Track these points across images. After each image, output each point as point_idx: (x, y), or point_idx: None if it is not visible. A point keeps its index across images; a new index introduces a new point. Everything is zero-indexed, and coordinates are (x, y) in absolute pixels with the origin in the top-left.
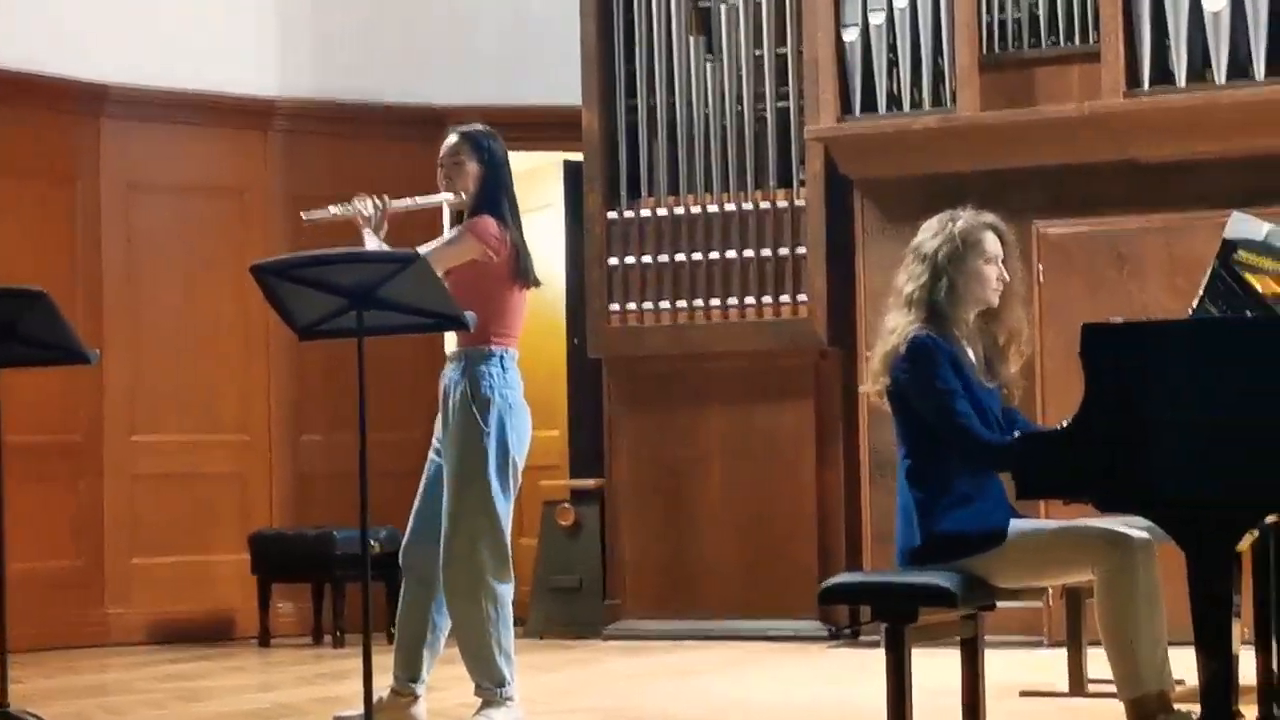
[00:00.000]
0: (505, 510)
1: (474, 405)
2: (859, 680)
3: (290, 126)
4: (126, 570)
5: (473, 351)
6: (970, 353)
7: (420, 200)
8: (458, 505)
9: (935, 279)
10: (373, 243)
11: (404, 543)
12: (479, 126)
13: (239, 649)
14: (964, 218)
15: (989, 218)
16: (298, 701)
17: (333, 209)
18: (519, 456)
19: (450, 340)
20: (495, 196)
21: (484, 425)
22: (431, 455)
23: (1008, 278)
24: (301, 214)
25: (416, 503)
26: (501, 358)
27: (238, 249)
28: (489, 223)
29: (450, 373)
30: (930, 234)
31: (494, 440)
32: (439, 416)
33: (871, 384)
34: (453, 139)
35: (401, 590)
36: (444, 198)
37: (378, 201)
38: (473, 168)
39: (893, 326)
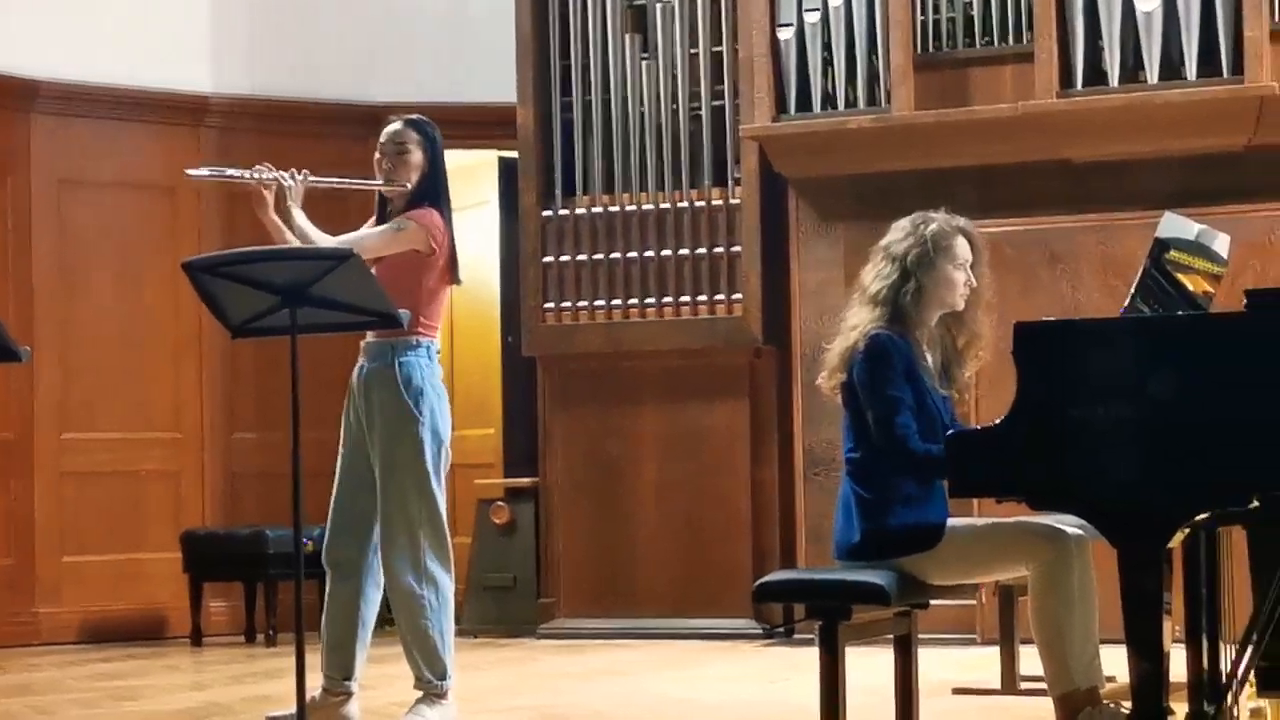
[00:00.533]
0: (442, 499)
1: (407, 395)
2: (793, 678)
3: (224, 123)
4: (57, 569)
5: (400, 342)
6: (929, 357)
7: (350, 182)
8: (397, 496)
9: (903, 280)
10: (300, 216)
11: (326, 540)
12: (422, 116)
13: (171, 648)
14: (937, 221)
15: (961, 222)
16: (229, 700)
17: (230, 171)
18: (448, 446)
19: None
20: (438, 189)
21: (419, 414)
22: (344, 449)
23: (975, 283)
24: (186, 170)
25: (335, 499)
26: (428, 349)
27: (171, 246)
28: (435, 215)
29: (371, 364)
30: (901, 234)
31: (428, 429)
32: (350, 409)
33: (827, 378)
34: (398, 126)
35: (327, 589)
36: (380, 185)
37: (296, 174)
38: (418, 158)
39: (854, 323)
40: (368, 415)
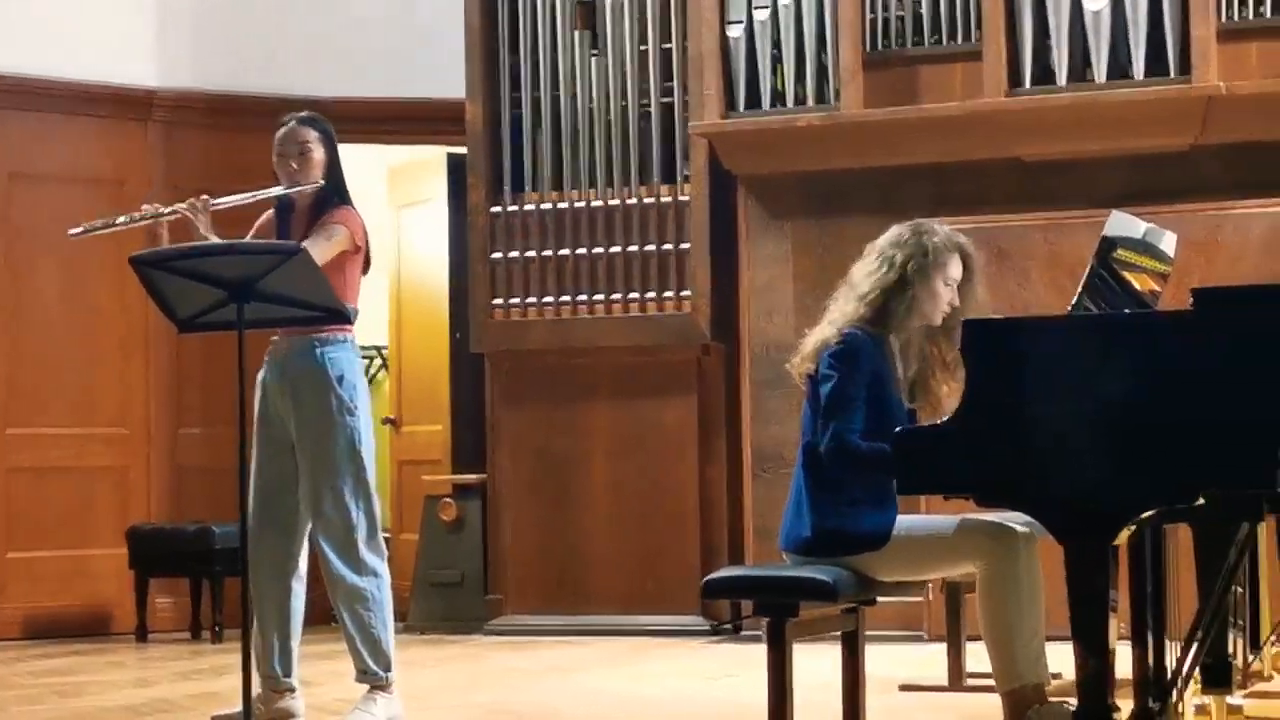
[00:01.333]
0: (374, 490)
1: (340, 389)
2: (741, 675)
3: (170, 118)
4: (2, 565)
5: (324, 338)
6: (899, 366)
7: (256, 195)
8: (333, 491)
9: (900, 286)
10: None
11: (251, 540)
12: (314, 112)
13: (116, 644)
14: (941, 235)
15: (960, 239)
16: (175, 697)
17: (122, 218)
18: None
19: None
20: (343, 184)
21: (352, 405)
22: (264, 448)
23: (957, 303)
24: (70, 231)
25: (257, 498)
26: (351, 342)
27: (117, 241)
28: (354, 213)
29: (293, 358)
30: (902, 240)
31: (361, 420)
32: (266, 407)
33: (798, 364)
34: (296, 125)
35: (256, 587)
36: (287, 190)
37: (196, 201)
38: (320, 154)
39: (835, 316)
40: (296, 413)
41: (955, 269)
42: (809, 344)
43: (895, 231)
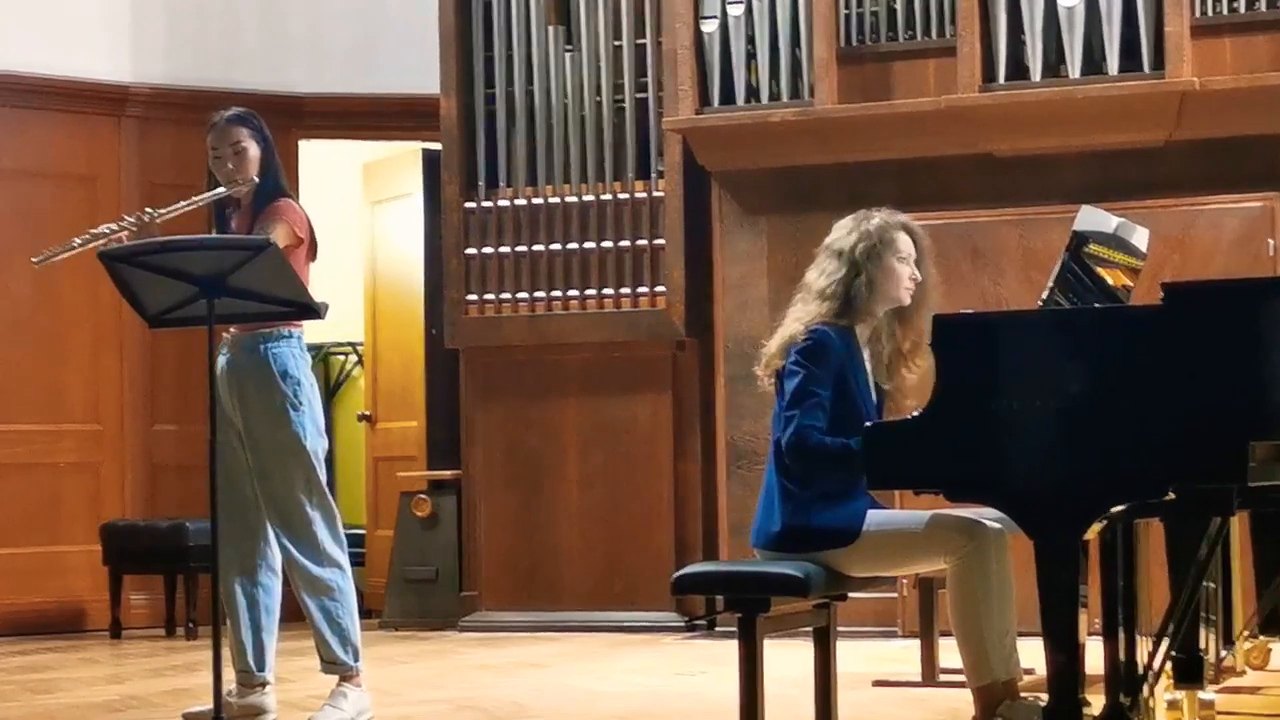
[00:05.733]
0: (325, 483)
1: (285, 385)
2: (713, 670)
3: (143, 113)
4: None
5: (271, 334)
6: (867, 355)
7: (199, 200)
8: (285, 486)
9: (853, 273)
10: None
11: (218, 537)
12: (243, 108)
13: (90, 641)
14: (879, 216)
15: (902, 218)
16: (148, 693)
17: (76, 240)
18: (323, 432)
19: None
20: (280, 178)
21: (299, 401)
22: (220, 439)
23: (919, 277)
24: (32, 260)
25: (221, 494)
26: (299, 338)
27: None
28: (294, 205)
29: (239, 354)
30: (845, 231)
31: (309, 416)
32: (219, 399)
33: (764, 367)
34: (227, 124)
35: (223, 583)
36: (227, 191)
37: (143, 215)
38: (255, 150)
39: (799, 315)
40: (243, 410)
41: (904, 244)
42: (774, 343)
43: (836, 227)
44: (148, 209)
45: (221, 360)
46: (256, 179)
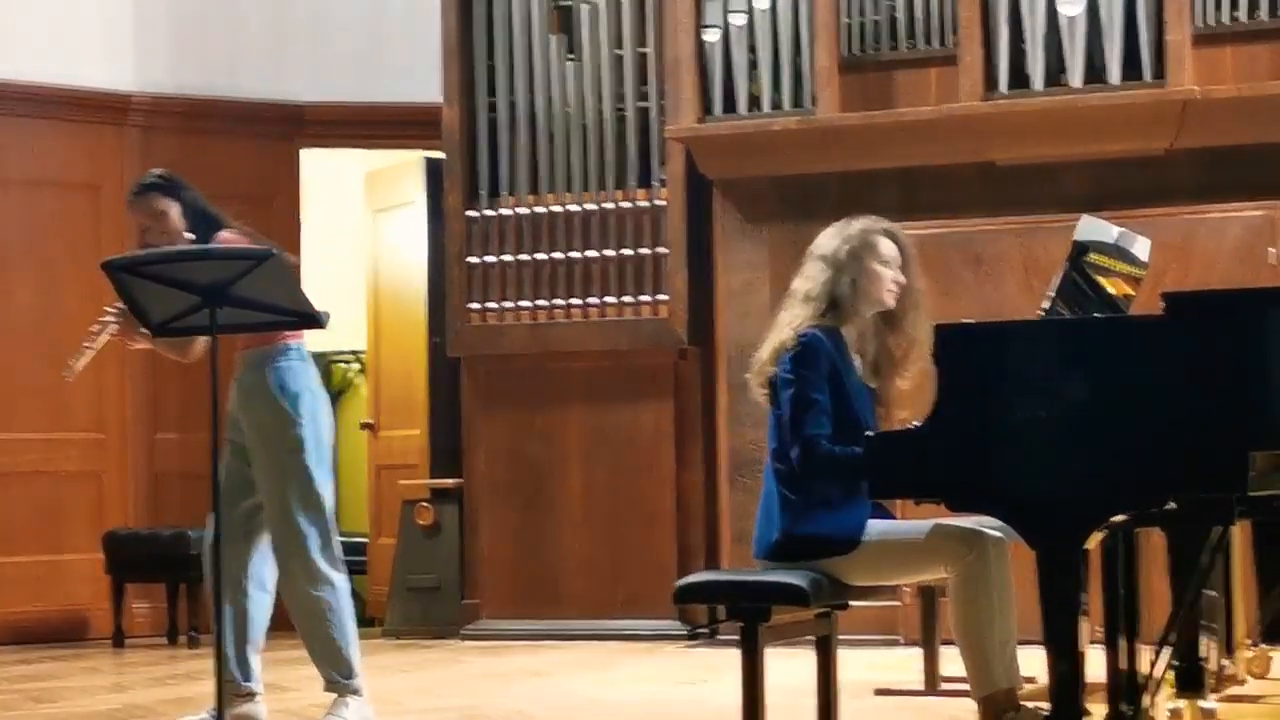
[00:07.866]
0: (331, 498)
1: (283, 398)
2: (715, 679)
3: (146, 122)
4: None
5: (270, 349)
6: (857, 358)
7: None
8: (280, 504)
9: (837, 275)
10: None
11: (211, 547)
12: (147, 177)
13: (92, 649)
14: (861, 222)
15: (885, 223)
16: (150, 702)
17: (87, 348)
18: (330, 444)
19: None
20: (208, 215)
21: (296, 418)
22: (227, 449)
23: (903, 280)
24: (64, 376)
25: (218, 506)
26: (299, 350)
27: (92, 245)
28: (229, 234)
29: (245, 375)
30: (828, 237)
31: (308, 430)
32: (231, 410)
33: (756, 374)
34: (136, 198)
35: (215, 595)
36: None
37: (120, 311)
38: (174, 208)
39: (788, 320)
40: (246, 422)
41: (886, 248)
42: (764, 352)
43: (820, 236)
44: (118, 303)
45: (236, 372)
46: (190, 234)
